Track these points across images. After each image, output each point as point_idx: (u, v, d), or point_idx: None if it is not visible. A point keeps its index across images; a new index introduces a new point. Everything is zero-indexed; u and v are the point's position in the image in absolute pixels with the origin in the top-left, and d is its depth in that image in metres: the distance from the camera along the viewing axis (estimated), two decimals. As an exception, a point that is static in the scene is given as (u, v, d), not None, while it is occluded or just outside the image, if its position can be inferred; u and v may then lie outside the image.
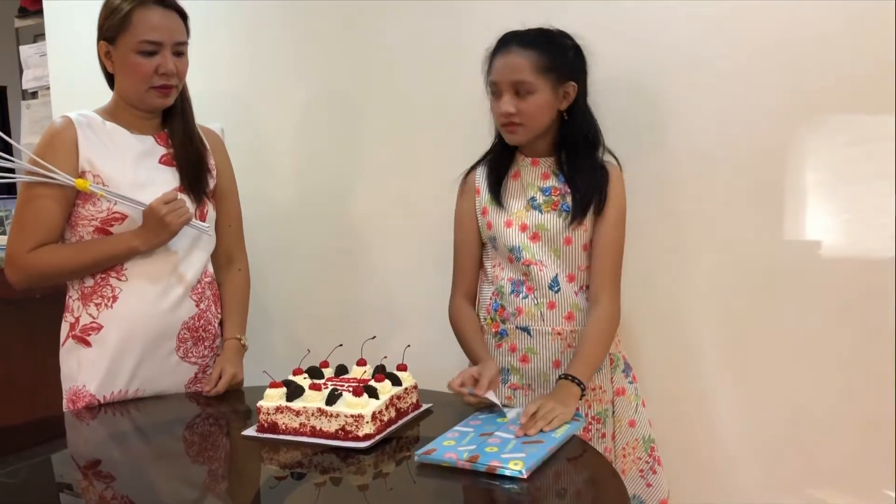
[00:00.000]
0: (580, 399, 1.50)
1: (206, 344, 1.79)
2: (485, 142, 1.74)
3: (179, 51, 1.69)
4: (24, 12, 3.26)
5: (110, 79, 1.74)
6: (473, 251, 1.72)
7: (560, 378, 1.52)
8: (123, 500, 1.26)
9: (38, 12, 2.90)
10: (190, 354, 1.76)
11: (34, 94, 3.21)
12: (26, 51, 3.18)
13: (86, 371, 1.67)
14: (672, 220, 1.80)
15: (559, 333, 1.64)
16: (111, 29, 1.65)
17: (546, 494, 1.21)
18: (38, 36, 3.10)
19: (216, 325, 1.82)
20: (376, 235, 2.22)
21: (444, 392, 1.64)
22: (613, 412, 1.67)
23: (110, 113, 1.73)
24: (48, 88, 2.80)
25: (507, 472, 1.20)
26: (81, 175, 1.64)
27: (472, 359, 1.64)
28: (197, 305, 1.75)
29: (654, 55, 1.77)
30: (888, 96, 1.57)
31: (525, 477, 1.19)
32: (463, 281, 1.73)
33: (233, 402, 1.70)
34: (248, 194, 2.33)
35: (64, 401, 1.72)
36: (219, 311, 1.84)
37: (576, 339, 1.62)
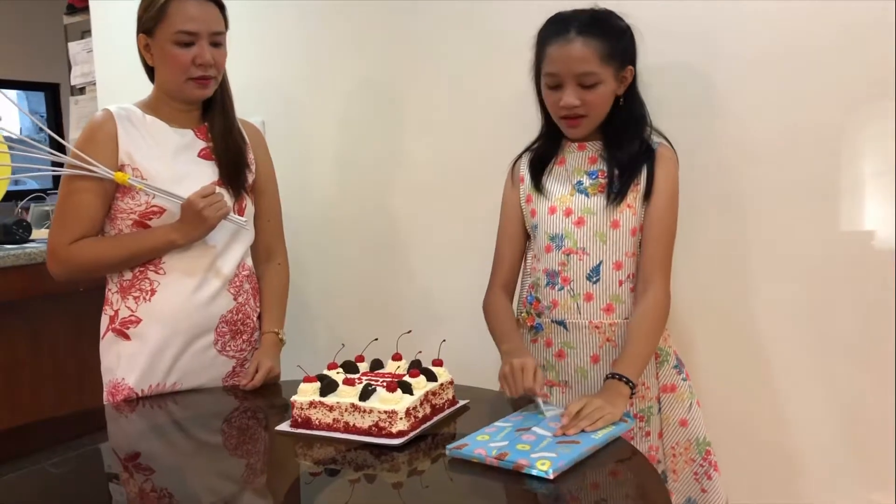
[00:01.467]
0: (630, 398, 1.43)
1: (244, 338, 1.78)
2: (529, 132, 1.69)
3: (217, 41, 1.68)
4: (71, 9, 3.31)
5: (150, 72, 1.74)
6: (515, 242, 1.67)
7: (607, 377, 1.44)
8: (163, 492, 1.25)
9: (85, 9, 2.95)
10: (228, 348, 1.75)
11: (82, 90, 3.27)
12: (74, 47, 3.24)
13: (125, 364, 1.68)
14: (729, 210, 1.73)
15: (597, 327, 1.57)
16: (149, 21, 1.65)
17: (575, 498, 1.16)
18: (86, 32, 3.15)
19: (255, 318, 1.81)
20: (416, 228, 2.20)
21: (482, 388, 1.61)
22: (660, 410, 1.59)
23: (150, 106, 1.73)
24: (95, 84, 2.83)
25: (534, 472, 1.15)
26: (121, 168, 1.65)
27: (503, 350, 1.55)
28: (235, 299, 1.75)
29: (710, 38, 1.70)
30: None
31: (551, 478, 1.15)
32: (501, 271, 1.67)
33: (270, 396, 1.69)
34: (289, 188, 2.34)
35: (105, 393, 1.73)
36: (257, 304, 1.83)
37: (615, 333, 1.56)
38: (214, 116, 1.76)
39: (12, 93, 5.39)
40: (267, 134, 2.41)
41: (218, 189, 1.68)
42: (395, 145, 2.20)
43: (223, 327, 1.73)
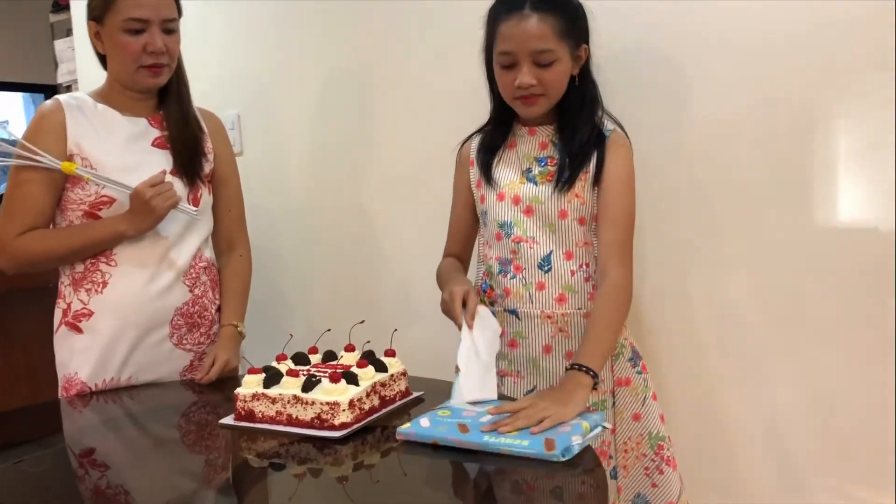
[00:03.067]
0: (594, 389, 1.34)
1: (201, 331, 1.74)
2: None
3: (169, 28, 1.64)
4: (57, 7, 3.30)
5: (103, 60, 1.70)
6: (464, 222, 1.64)
7: (567, 369, 1.36)
8: (118, 489, 1.21)
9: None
10: (185, 341, 1.72)
11: (68, 88, 3.25)
12: (60, 45, 3.22)
13: (78, 358, 1.65)
14: (694, 197, 1.67)
15: (549, 317, 1.51)
16: (97, 8, 1.61)
17: (531, 486, 1.10)
18: (71, 30, 3.13)
19: (213, 311, 1.77)
20: (392, 219, 2.16)
21: (443, 380, 1.56)
22: (614, 403, 1.53)
23: (103, 95, 1.70)
24: (79, 82, 2.81)
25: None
26: (69, 158, 1.61)
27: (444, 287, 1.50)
28: (191, 291, 1.71)
29: (676, 20, 1.65)
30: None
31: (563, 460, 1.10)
32: (451, 248, 1.66)
33: (227, 390, 1.62)
34: (264, 180, 2.32)
35: (59, 388, 1.69)
36: (217, 297, 1.79)
37: (568, 324, 1.50)
38: (170, 105, 1.72)
39: (17, 95, 5.39)
40: (241, 127, 2.40)
41: (168, 178, 1.63)
42: (370, 136, 2.16)
43: (179, 320, 1.69)
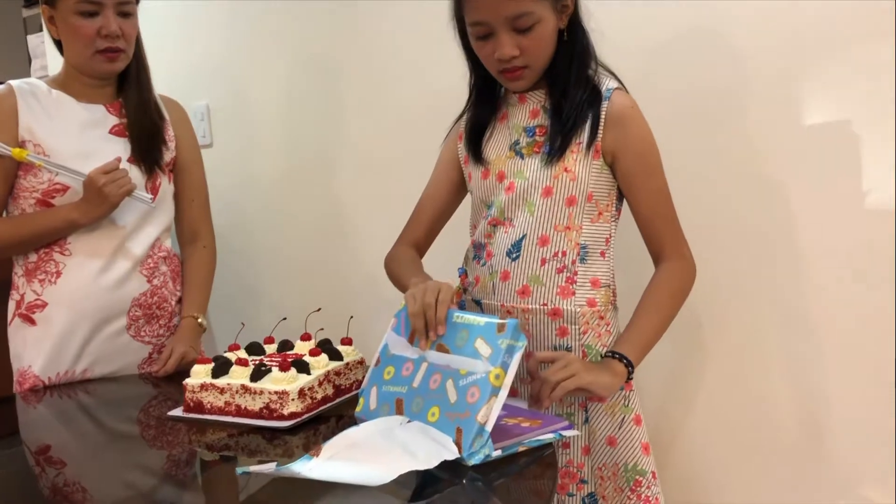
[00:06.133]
0: (628, 380, 1.23)
1: (160, 322, 1.70)
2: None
3: (125, 11, 1.60)
4: (30, 2, 3.24)
5: (60, 46, 1.66)
6: (436, 202, 1.47)
7: (602, 356, 1.26)
8: (76, 487, 1.16)
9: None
10: (143, 333, 1.67)
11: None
12: (33, 40, 3.17)
13: (31, 351, 1.61)
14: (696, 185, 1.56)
15: (509, 312, 1.32)
16: (49, -10, 1.57)
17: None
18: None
19: (173, 303, 1.73)
20: (362, 210, 2.11)
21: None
22: (587, 420, 1.32)
23: (59, 81, 1.66)
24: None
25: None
26: (21, 144, 1.57)
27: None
28: (149, 281, 1.66)
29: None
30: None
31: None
32: (411, 231, 1.47)
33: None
34: (235, 171, 2.29)
35: (14, 382, 1.65)
36: (177, 288, 1.75)
37: (529, 322, 1.31)
38: (129, 91, 1.68)
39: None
40: (212, 118, 2.36)
41: (125, 165, 1.59)
42: (341, 128, 2.12)
43: (136, 311, 1.65)
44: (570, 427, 1.13)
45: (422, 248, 1.48)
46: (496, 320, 1.10)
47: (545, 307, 1.30)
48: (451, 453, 1.00)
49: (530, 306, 1.31)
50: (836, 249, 1.46)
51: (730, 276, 1.56)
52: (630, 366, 1.21)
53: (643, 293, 1.29)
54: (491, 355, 1.06)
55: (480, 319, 1.11)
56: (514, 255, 1.32)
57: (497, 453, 1.03)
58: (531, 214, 1.31)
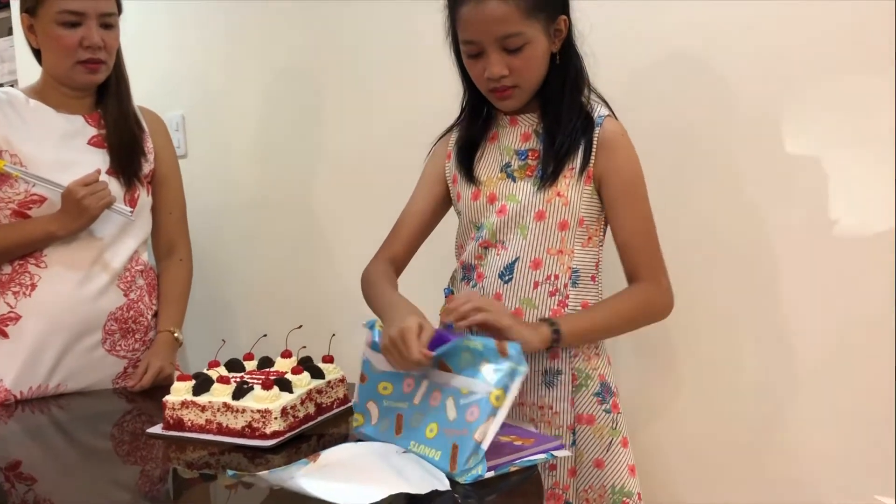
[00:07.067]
0: (548, 347, 1.22)
1: (136, 337, 1.68)
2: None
3: (107, 22, 1.59)
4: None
5: (38, 55, 1.65)
6: (418, 219, 1.44)
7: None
8: (46, 503, 1.14)
9: (9, 5, 2.84)
10: (118, 347, 1.65)
11: (12, 87, 3.14)
12: (2, 44, 3.12)
13: (2, 364, 1.58)
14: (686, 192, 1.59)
15: None
16: (30, -1, 1.56)
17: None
18: (12, 29, 3.03)
19: (149, 317, 1.71)
20: (340, 224, 2.11)
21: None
22: (574, 443, 1.33)
23: (37, 91, 1.64)
24: (20, 81, 2.72)
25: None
26: (-3, 155, 1.55)
27: (386, 313, 1.25)
28: (126, 295, 1.65)
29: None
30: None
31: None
32: (390, 246, 1.44)
33: (160, 398, 1.55)
34: (210, 182, 2.27)
35: (-16, 396, 1.62)
36: (153, 301, 1.73)
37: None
38: (108, 102, 1.67)
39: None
40: (187, 128, 2.34)
41: (104, 177, 1.58)
42: (317, 139, 2.12)
43: (112, 325, 1.63)
44: (561, 447, 1.14)
45: (400, 264, 1.46)
46: (497, 343, 1.10)
47: None
48: (444, 486, 1.00)
49: None
50: (810, 270, 1.50)
51: (706, 296, 1.59)
52: (557, 333, 1.22)
53: (615, 294, 1.32)
54: (493, 377, 1.08)
55: (484, 343, 1.11)
56: (507, 278, 1.33)
57: (490, 474, 1.04)
58: (524, 238, 1.32)
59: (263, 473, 1.02)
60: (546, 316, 1.30)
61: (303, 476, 1.00)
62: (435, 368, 1.15)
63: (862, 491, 1.48)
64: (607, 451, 1.32)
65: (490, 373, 1.08)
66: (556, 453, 1.12)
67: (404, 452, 1.11)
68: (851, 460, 1.50)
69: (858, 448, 1.49)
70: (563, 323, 1.24)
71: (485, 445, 1.03)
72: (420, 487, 0.98)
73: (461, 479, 1.03)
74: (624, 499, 1.31)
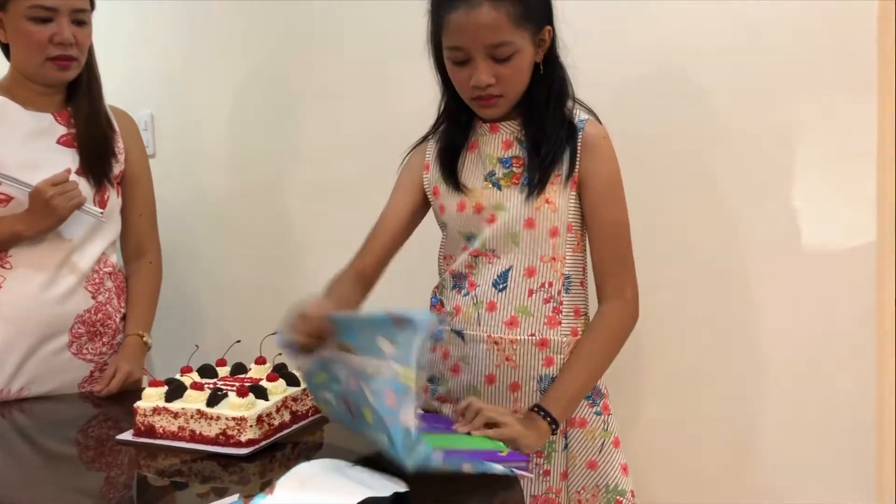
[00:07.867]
0: (551, 436, 1.24)
1: (104, 340, 1.65)
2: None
3: (79, 19, 1.56)
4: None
5: (6, 50, 1.61)
6: (391, 230, 1.42)
7: (530, 409, 1.26)
8: None
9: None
10: (85, 351, 1.62)
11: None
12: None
13: (-36, 367, 1.53)
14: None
15: (496, 342, 1.32)
16: (0, -7, 1.52)
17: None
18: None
19: (118, 320, 1.68)
20: (312, 228, 2.10)
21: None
22: (567, 447, 1.34)
23: (4, 88, 1.60)
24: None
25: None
26: (-38, 152, 1.50)
27: None
28: (94, 298, 1.62)
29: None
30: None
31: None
32: (361, 258, 1.41)
33: (129, 403, 1.52)
34: (180, 184, 2.24)
35: (-54, 400, 1.57)
36: (122, 304, 1.70)
37: (516, 352, 1.31)
38: (79, 101, 1.64)
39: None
40: (155, 128, 2.31)
41: (73, 177, 1.55)
42: (288, 141, 2.11)
43: (80, 328, 1.60)
44: (525, 469, 1.11)
45: (370, 275, 1.42)
46: (391, 313, 1.05)
47: (533, 337, 1.32)
48: (403, 488, 0.99)
49: (518, 337, 1.32)
50: (782, 282, 1.53)
51: (684, 303, 1.62)
52: (554, 423, 1.23)
53: (581, 338, 1.32)
54: (395, 353, 1.03)
55: (377, 316, 1.07)
56: (501, 287, 1.33)
57: (438, 457, 1.00)
58: (516, 246, 1.32)
59: (229, 501, 0.99)
60: (538, 338, 1.32)
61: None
62: (339, 351, 1.11)
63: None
64: (600, 452, 1.34)
65: (389, 348, 1.04)
66: (516, 470, 1.08)
67: (352, 466, 1.08)
68: (830, 467, 1.52)
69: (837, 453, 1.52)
70: (553, 407, 1.24)
71: (412, 426, 0.98)
72: (382, 491, 0.97)
73: (409, 465, 0.98)
74: (618, 497, 1.33)
